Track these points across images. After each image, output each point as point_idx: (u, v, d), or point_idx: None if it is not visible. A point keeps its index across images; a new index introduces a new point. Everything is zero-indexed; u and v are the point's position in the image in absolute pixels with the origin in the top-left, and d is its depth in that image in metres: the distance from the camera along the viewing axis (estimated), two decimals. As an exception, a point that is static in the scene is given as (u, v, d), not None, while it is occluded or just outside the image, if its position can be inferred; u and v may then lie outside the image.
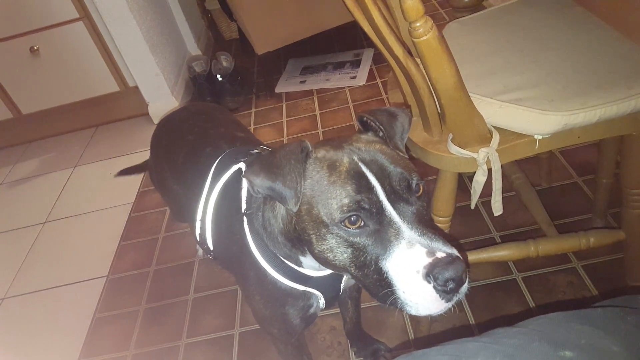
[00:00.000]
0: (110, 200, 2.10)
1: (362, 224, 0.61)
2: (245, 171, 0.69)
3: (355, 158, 0.65)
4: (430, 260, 0.56)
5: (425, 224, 0.62)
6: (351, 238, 0.62)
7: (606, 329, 0.51)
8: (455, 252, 0.58)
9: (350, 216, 0.61)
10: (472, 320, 1.24)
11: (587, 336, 0.50)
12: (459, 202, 1.08)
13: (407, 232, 0.59)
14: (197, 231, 0.98)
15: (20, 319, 1.68)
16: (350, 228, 0.61)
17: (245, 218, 0.82)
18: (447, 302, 0.58)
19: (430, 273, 0.56)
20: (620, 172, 1.06)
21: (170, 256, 1.73)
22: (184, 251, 1.73)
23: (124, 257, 1.79)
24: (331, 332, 1.33)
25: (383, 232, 0.60)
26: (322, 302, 0.86)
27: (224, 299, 1.51)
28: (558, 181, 1.55)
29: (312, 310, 0.86)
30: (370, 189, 0.62)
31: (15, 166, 2.56)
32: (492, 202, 0.97)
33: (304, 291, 0.82)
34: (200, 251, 1.68)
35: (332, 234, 0.62)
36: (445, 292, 0.57)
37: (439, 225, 1.08)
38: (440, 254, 0.57)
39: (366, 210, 0.61)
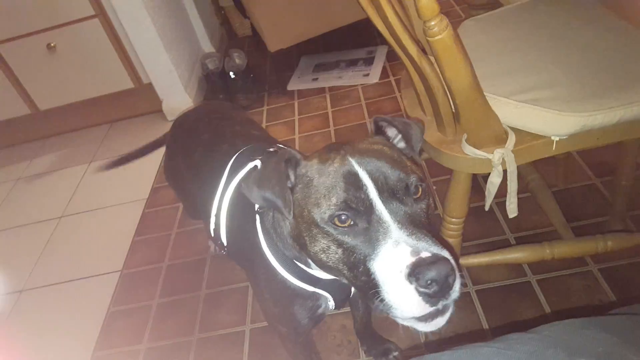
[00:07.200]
0: (124, 196, 2.13)
1: (351, 222, 0.60)
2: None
3: (349, 157, 0.65)
4: (413, 259, 0.54)
5: (418, 225, 0.60)
6: (340, 237, 0.61)
7: (624, 337, 0.50)
8: (443, 253, 0.55)
9: (340, 215, 0.60)
10: (485, 324, 1.23)
11: (604, 344, 0.49)
12: (473, 203, 1.06)
13: (396, 231, 0.58)
14: (212, 226, 0.99)
15: (37, 311, 1.71)
16: (339, 226, 0.61)
17: (258, 217, 0.82)
18: (431, 306, 0.54)
19: (412, 273, 0.53)
20: (640, 174, 1.03)
21: (183, 252, 1.74)
22: (197, 247, 1.74)
23: (137, 253, 1.81)
24: (342, 331, 1.32)
25: (372, 231, 0.59)
26: (331, 303, 0.86)
27: (235, 296, 1.52)
28: (575, 182, 1.52)
29: (320, 310, 0.87)
30: (360, 187, 0.61)
31: (33, 161, 2.60)
32: (507, 203, 0.96)
33: (313, 292, 0.82)
34: (212, 247, 1.69)
35: (323, 233, 0.63)
36: (428, 295, 0.54)
37: (452, 226, 1.07)
38: (424, 254, 0.54)
39: (354, 209, 0.60)
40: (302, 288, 0.81)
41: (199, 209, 1.10)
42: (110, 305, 1.62)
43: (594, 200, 1.45)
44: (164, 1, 2.45)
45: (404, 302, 0.55)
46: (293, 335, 0.97)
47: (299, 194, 0.67)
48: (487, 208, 1.01)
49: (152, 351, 1.44)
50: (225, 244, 0.98)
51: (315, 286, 0.81)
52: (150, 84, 2.50)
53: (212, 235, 1.01)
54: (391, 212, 0.60)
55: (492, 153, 0.87)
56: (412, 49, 0.81)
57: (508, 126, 0.88)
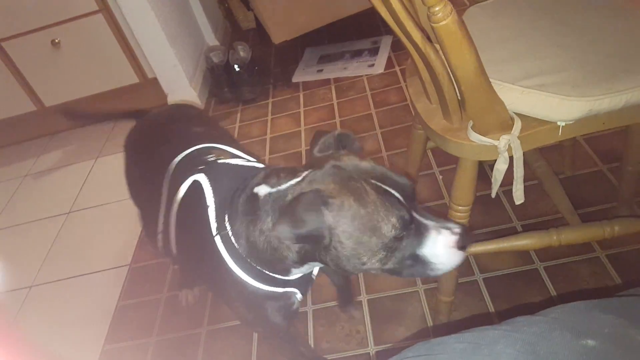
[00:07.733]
0: (131, 190, 2.14)
1: (404, 232, 0.72)
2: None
3: (371, 180, 0.73)
4: (455, 237, 0.73)
5: (426, 211, 0.77)
6: (401, 244, 0.73)
7: (631, 318, 0.50)
8: (455, 223, 0.76)
9: (403, 230, 0.71)
10: (492, 310, 1.23)
11: (611, 325, 0.49)
12: (479, 191, 1.06)
13: (428, 222, 0.74)
14: (159, 243, 0.99)
15: (47, 306, 1.74)
16: (399, 237, 0.72)
17: (218, 238, 0.82)
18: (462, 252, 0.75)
19: (460, 245, 0.73)
20: (647, 159, 1.02)
21: (190, 245, 1.75)
22: (204, 240, 1.75)
23: (145, 247, 1.82)
24: (350, 321, 1.33)
25: (416, 230, 0.73)
26: (299, 296, 0.90)
27: (243, 287, 1.53)
28: (582, 169, 1.52)
29: (294, 307, 0.91)
30: (398, 201, 0.72)
31: (40, 158, 2.63)
32: (514, 190, 0.96)
33: (283, 292, 0.86)
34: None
35: (386, 247, 0.72)
36: (465, 249, 0.75)
37: (458, 214, 1.08)
38: (455, 229, 0.74)
39: (407, 220, 0.72)
40: (273, 291, 0.85)
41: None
42: (119, 299, 1.64)
43: (600, 187, 1.45)
44: (166, -5, 2.45)
45: (454, 262, 0.75)
46: (272, 334, 1.01)
47: (348, 227, 0.71)
48: (493, 195, 1.01)
49: (161, 344, 1.45)
50: (174, 252, 0.97)
51: (284, 287, 0.86)
52: (155, 79, 2.51)
53: (161, 249, 1.01)
54: (416, 210, 0.74)
55: (498, 139, 0.86)
56: (417, 36, 0.80)
57: (514, 112, 0.88)
